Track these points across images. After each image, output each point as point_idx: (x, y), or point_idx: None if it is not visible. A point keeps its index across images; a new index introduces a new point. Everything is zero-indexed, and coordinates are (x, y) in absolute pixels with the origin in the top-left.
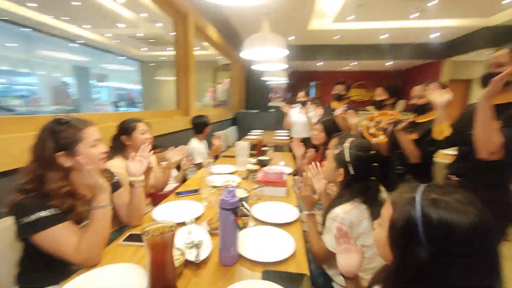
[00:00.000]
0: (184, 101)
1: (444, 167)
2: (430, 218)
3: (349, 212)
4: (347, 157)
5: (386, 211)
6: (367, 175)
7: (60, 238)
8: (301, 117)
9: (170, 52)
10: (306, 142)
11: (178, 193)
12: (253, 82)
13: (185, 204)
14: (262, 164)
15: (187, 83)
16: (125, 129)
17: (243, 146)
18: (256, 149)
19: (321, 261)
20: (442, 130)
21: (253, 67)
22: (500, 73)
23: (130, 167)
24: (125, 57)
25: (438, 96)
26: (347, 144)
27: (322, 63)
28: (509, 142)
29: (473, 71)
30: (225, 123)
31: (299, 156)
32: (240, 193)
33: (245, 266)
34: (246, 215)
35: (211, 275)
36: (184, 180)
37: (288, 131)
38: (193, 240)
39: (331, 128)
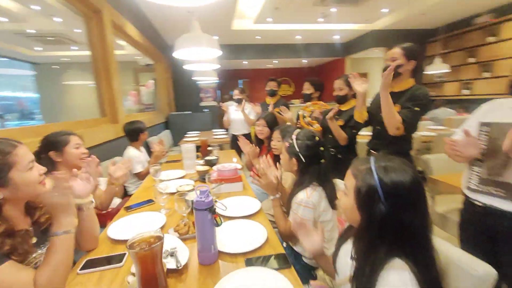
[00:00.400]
0: (110, 108)
1: (364, 145)
2: (385, 181)
3: (311, 195)
4: (297, 148)
5: (349, 182)
6: (317, 159)
7: (7, 279)
8: (239, 115)
9: (76, 52)
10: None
11: (128, 208)
12: (181, 83)
13: (141, 217)
14: (211, 164)
15: (110, 88)
16: (54, 143)
17: (189, 148)
18: (201, 150)
19: (288, 238)
20: (362, 114)
21: (185, 67)
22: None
23: (75, 188)
24: (8, 59)
25: (359, 85)
26: (294, 136)
27: (247, 62)
28: (405, 120)
29: (367, 65)
30: (158, 127)
31: (248, 153)
32: None
33: (226, 260)
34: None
35: (196, 277)
36: (125, 193)
37: (225, 130)
38: (166, 249)
39: (273, 122)
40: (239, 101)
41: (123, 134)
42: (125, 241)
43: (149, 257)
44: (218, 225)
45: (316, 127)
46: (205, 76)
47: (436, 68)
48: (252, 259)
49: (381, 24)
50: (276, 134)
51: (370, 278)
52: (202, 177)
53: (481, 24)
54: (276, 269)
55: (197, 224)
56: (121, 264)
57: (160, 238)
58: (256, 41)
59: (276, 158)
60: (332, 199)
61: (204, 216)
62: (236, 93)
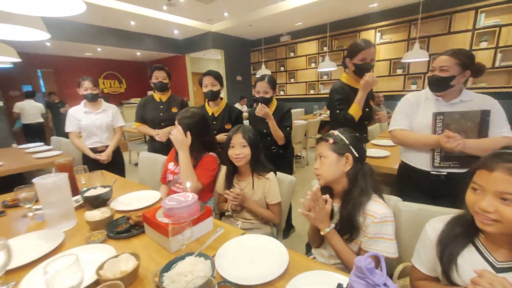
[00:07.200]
0: None
1: None
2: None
3: (385, 204)
4: (346, 140)
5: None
6: (363, 155)
7: None
8: (94, 119)
9: None
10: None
11: None
12: None
13: None
14: (101, 201)
15: None
16: None
17: (58, 183)
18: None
19: None
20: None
21: None
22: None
23: None
24: None
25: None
26: (337, 132)
27: (50, 44)
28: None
29: (206, 66)
30: None
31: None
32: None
33: None
34: None
35: None
36: None
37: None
38: None
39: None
40: (93, 98)
41: None
42: None
43: None
44: None
45: None
46: None
47: (262, 72)
48: None
49: (218, 27)
50: (239, 139)
51: None
52: (117, 229)
53: (284, 42)
54: None
55: None
56: None
57: None
58: (70, 17)
59: (234, 170)
60: None
61: None
62: (87, 86)
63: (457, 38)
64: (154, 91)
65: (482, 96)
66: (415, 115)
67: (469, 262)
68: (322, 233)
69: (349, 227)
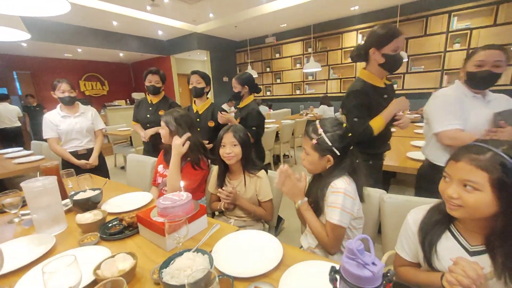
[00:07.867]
0: None
1: None
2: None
3: (350, 183)
4: (329, 142)
5: (478, 177)
6: (349, 148)
7: None
8: (72, 123)
9: None
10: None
11: None
12: None
13: None
14: (92, 204)
15: None
16: None
17: (47, 187)
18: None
19: (335, 246)
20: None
21: None
22: None
23: None
24: None
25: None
26: (321, 129)
27: (26, 45)
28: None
29: (190, 67)
30: None
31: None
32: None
33: None
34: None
35: None
36: None
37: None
38: None
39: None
40: (70, 101)
41: None
42: None
43: None
44: None
45: None
46: None
47: None
48: None
49: (203, 28)
50: (229, 138)
51: None
52: (111, 231)
53: (270, 44)
54: None
55: None
56: None
57: None
58: (49, 17)
59: (226, 168)
60: (361, 193)
61: None
62: (64, 89)
63: (432, 40)
64: (147, 93)
65: (499, 94)
66: (465, 114)
67: (446, 247)
68: (296, 205)
69: (316, 203)
